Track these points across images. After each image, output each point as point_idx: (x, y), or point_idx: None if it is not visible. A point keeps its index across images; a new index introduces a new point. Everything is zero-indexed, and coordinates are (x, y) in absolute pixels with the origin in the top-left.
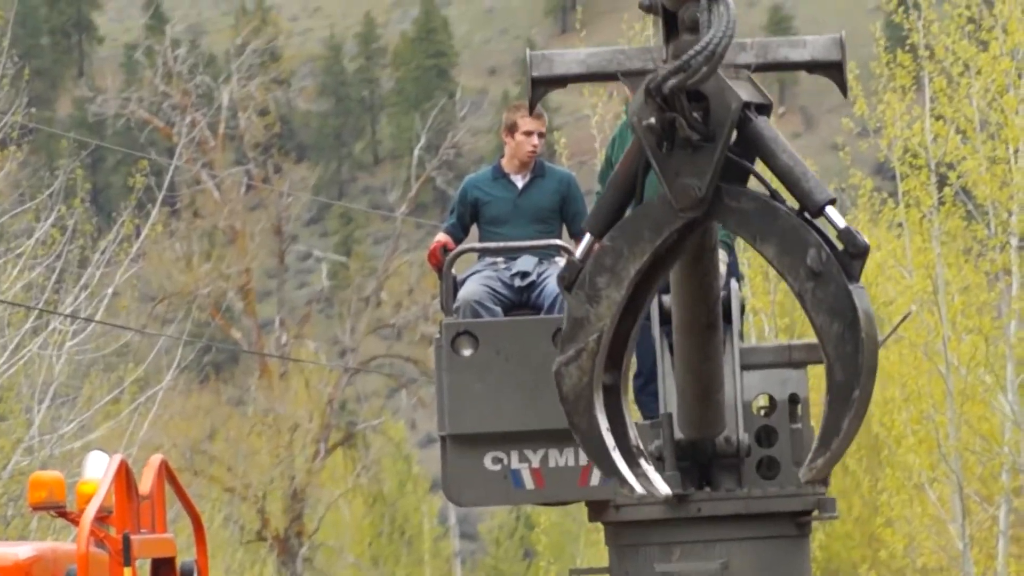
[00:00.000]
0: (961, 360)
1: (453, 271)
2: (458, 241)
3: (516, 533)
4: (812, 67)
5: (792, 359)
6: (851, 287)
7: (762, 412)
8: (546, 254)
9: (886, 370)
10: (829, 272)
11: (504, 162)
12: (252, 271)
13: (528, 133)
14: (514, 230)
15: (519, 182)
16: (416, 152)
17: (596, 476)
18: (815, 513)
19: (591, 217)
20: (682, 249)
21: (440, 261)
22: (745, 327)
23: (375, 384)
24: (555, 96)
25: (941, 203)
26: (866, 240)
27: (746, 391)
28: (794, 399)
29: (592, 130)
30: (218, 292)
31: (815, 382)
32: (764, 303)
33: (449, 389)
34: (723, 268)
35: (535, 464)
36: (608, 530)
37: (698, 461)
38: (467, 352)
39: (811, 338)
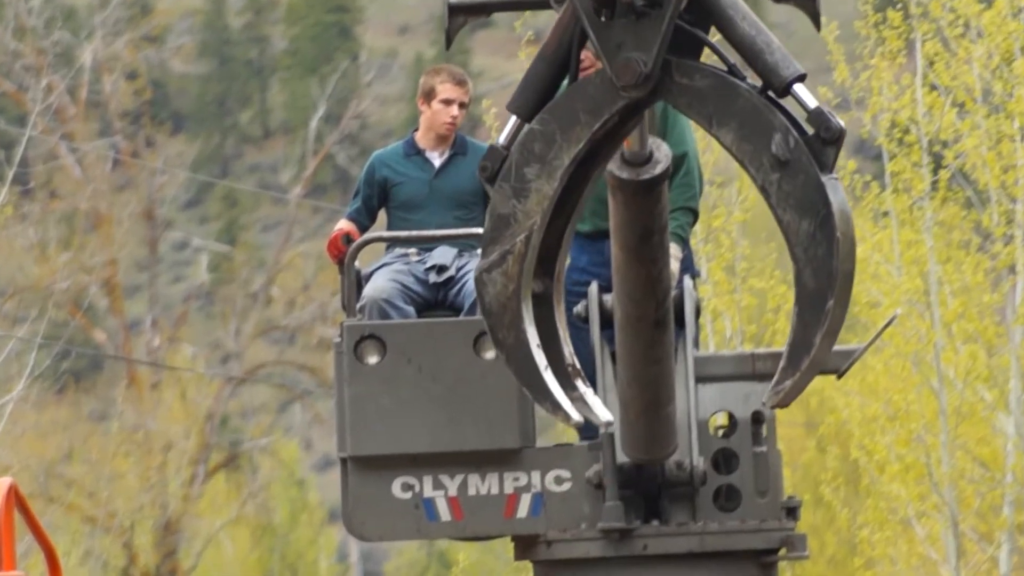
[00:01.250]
0: (957, 373)
1: (357, 264)
2: (363, 229)
3: (429, 573)
4: None
5: (756, 370)
6: (823, 178)
7: (720, 432)
8: (467, 245)
9: (869, 384)
10: (797, 161)
11: (418, 136)
12: (119, 262)
13: (447, 102)
14: (430, 216)
15: (436, 160)
16: (313, 124)
17: (524, 506)
18: (782, 552)
19: (517, 96)
20: (622, 134)
21: (342, 252)
22: (704, 334)
23: (263, 396)
24: (481, 59)
25: (935, 188)
26: (841, 123)
27: (702, 407)
28: (758, 418)
29: None
30: (79, 287)
31: None
32: (728, 304)
33: (351, 403)
34: (675, 265)
35: (452, 492)
36: (538, 570)
37: (644, 490)
38: (372, 359)
39: (779, 346)
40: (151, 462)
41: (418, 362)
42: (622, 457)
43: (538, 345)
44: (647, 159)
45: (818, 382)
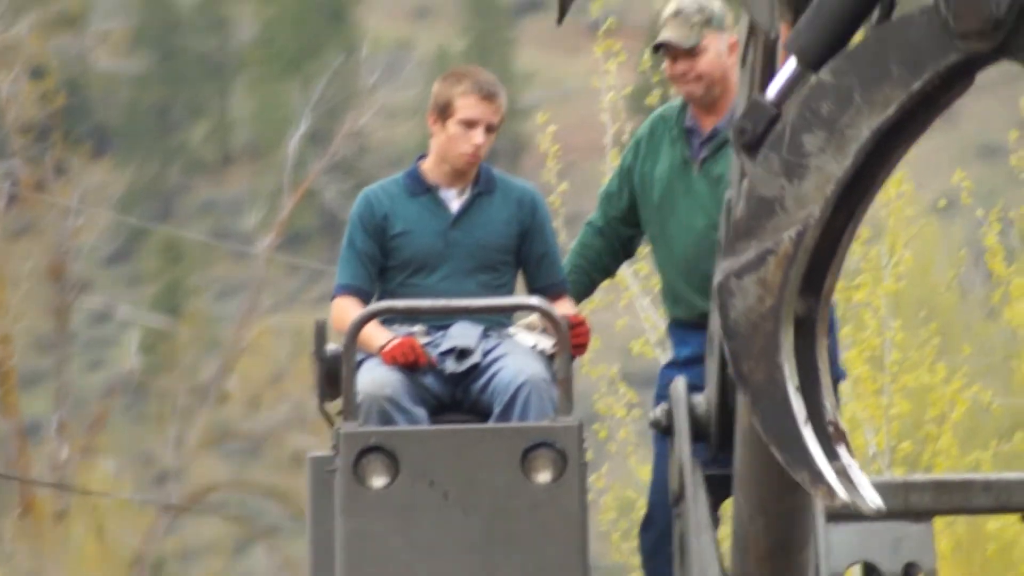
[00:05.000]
0: None
1: (332, 346)
2: (369, 301)
3: None
4: None
5: (910, 505)
6: None
7: None
8: (495, 321)
9: None
10: None
11: (426, 167)
12: (13, 340)
13: (468, 123)
14: (444, 282)
15: (453, 202)
16: (292, 145)
17: None
18: None
19: (801, 31)
20: (942, 105)
21: (418, 359)
22: None
23: (213, 533)
24: (530, 54)
25: None
26: None
27: (833, 557)
28: (911, 572)
29: (602, 114)
30: None
31: (946, 545)
32: (873, 410)
33: (348, 542)
34: None
35: None
36: None
37: None
38: (379, 481)
39: (941, 472)
40: None
41: (443, 486)
42: None
43: (797, 388)
44: None
45: (996, 523)
